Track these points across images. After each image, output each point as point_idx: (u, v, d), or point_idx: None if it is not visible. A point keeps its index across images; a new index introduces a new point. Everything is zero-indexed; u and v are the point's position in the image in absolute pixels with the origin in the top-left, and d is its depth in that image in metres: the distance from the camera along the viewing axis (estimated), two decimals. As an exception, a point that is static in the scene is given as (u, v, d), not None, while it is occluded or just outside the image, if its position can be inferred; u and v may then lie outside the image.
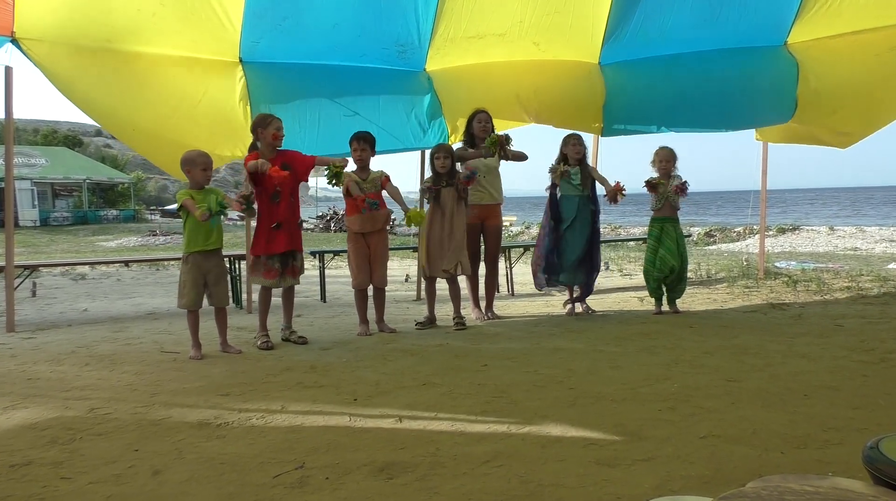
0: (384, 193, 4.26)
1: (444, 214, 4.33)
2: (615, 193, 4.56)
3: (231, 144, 4.66)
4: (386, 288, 4.41)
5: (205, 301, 3.74)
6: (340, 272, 7.64)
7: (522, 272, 6.87)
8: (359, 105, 5.00)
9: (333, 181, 4.02)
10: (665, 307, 4.80)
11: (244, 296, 5.61)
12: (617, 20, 4.84)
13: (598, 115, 5.38)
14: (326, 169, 4.02)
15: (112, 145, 51.87)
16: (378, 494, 1.83)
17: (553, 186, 4.73)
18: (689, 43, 5.04)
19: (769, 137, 6.14)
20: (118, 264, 8.88)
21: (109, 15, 4.21)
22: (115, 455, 2.18)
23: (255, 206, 3.80)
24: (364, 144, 4.18)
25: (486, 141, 4.52)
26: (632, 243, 10.76)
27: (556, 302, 5.36)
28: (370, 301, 4.37)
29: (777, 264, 8.15)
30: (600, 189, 4.73)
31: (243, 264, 5.33)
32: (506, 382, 2.97)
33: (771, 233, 14.91)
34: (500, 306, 5.13)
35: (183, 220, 3.69)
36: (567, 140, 4.69)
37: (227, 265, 5.17)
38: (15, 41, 4.10)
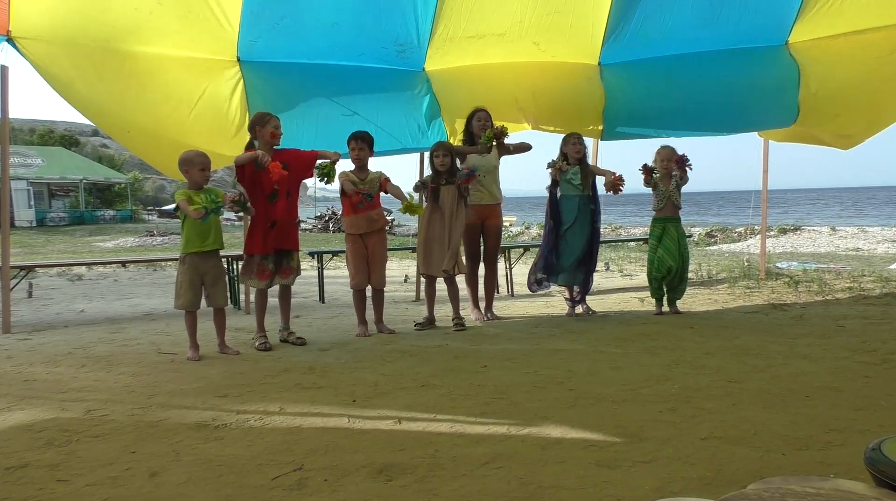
0: (387, 195, 4.25)
1: (443, 213, 4.31)
2: (613, 185, 4.55)
3: (230, 144, 4.65)
4: (385, 289, 4.39)
5: (203, 302, 3.72)
6: (339, 273, 7.63)
7: (522, 273, 6.85)
8: (357, 105, 4.99)
9: (325, 179, 3.99)
10: (666, 308, 4.79)
11: (242, 297, 5.59)
12: (617, 20, 4.84)
13: (598, 119, 5.38)
14: (317, 166, 3.98)
15: (109, 145, 51.75)
16: (377, 496, 1.82)
17: (553, 185, 4.71)
18: (689, 43, 5.03)
19: (771, 135, 6.14)
20: (115, 265, 8.86)
21: (107, 14, 4.19)
22: (112, 456, 2.16)
23: (250, 205, 3.76)
24: (362, 143, 4.16)
25: (482, 136, 4.49)
26: (632, 243, 10.76)
27: (556, 303, 5.36)
28: (369, 302, 4.36)
29: (778, 265, 8.15)
30: (601, 189, 4.73)
31: (242, 265, 5.30)
32: (505, 383, 2.97)
33: (772, 233, 14.93)
34: (500, 307, 5.12)
35: (181, 220, 3.68)
36: (567, 139, 4.69)
37: (225, 266, 5.15)
38: (10, 40, 4.08)
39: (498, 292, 5.35)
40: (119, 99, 4.51)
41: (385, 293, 4.45)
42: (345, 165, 4.28)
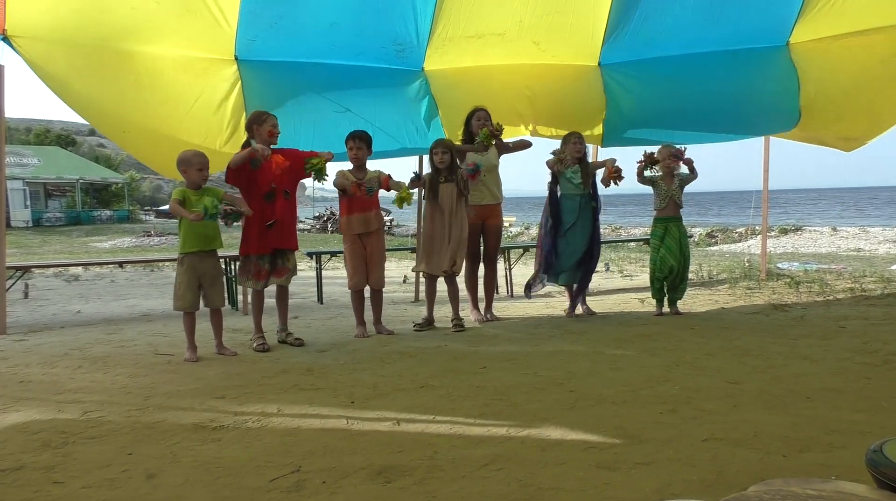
0: (389, 193, 4.23)
1: (443, 211, 4.29)
2: (609, 178, 4.53)
3: (227, 144, 4.63)
4: (384, 289, 4.37)
5: (200, 303, 3.70)
6: (337, 274, 7.61)
7: (522, 274, 6.84)
8: (356, 104, 4.98)
9: (314, 177, 3.95)
10: (666, 309, 4.78)
11: (240, 298, 5.58)
12: (617, 20, 4.83)
13: (599, 125, 5.38)
14: (307, 163, 3.95)
15: (106, 145, 51.66)
16: (375, 498, 1.81)
17: (553, 182, 4.69)
18: (690, 44, 5.02)
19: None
20: (112, 266, 8.84)
21: (104, 14, 4.18)
22: (109, 458, 2.15)
23: (245, 208, 3.72)
24: (360, 142, 4.14)
25: (479, 135, 4.46)
26: (632, 243, 10.75)
27: (555, 303, 5.35)
28: (367, 303, 4.34)
29: (779, 265, 8.15)
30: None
31: (238, 266, 5.28)
32: (505, 384, 2.96)
33: (773, 234, 14.93)
34: (499, 308, 5.10)
35: (178, 219, 3.66)
36: (567, 138, 4.67)
37: (223, 266, 5.13)
38: (6, 39, 4.07)
39: (497, 293, 5.34)
40: (116, 99, 4.50)
41: (384, 294, 4.43)
42: (340, 166, 4.27)
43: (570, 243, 4.63)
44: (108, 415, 2.62)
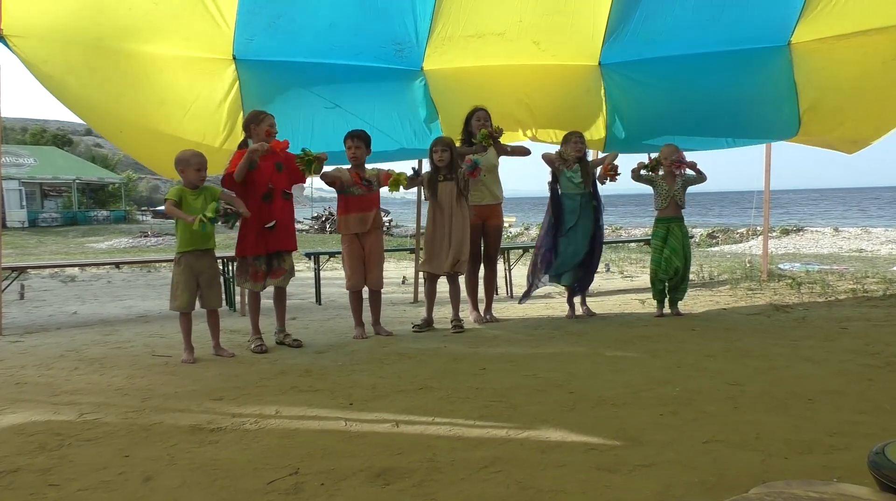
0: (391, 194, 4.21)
1: (442, 210, 4.27)
2: (605, 177, 4.51)
3: (225, 143, 4.61)
4: (382, 290, 4.35)
5: (197, 304, 3.68)
6: (336, 274, 7.58)
7: (522, 274, 6.82)
8: (355, 104, 4.96)
9: (305, 169, 3.90)
10: (667, 310, 4.76)
11: (237, 298, 5.55)
12: (617, 19, 4.81)
13: (600, 127, 5.37)
14: (298, 157, 3.92)
15: (102, 145, 51.56)
16: (374, 500, 1.80)
17: (554, 180, 4.67)
18: (691, 43, 5.00)
19: None
20: (109, 266, 8.81)
21: (101, 14, 4.16)
22: (105, 461, 2.14)
23: (242, 209, 3.69)
24: (359, 142, 4.13)
25: (477, 135, 4.43)
26: (633, 244, 10.74)
27: (555, 304, 5.33)
28: (366, 304, 4.32)
29: (781, 266, 8.13)
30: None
31: (236, 267, 5.26)
32: (504, 386, 2.94)
33: (774, 234, 14.90)
34: (499, 309, 5.09)
35: (175, 219, 3.64)
36: (568, 138, 4.65)
37: (220, 267, 5.10)
38: (2, 38, 4.04)
39: (497, 294, 5.33)
40: (113, 98, 4.48)
41: (383, 295, 4.41)
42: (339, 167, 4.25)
43: (572, 242, 4.60)
44: (104, 417, 2.60)
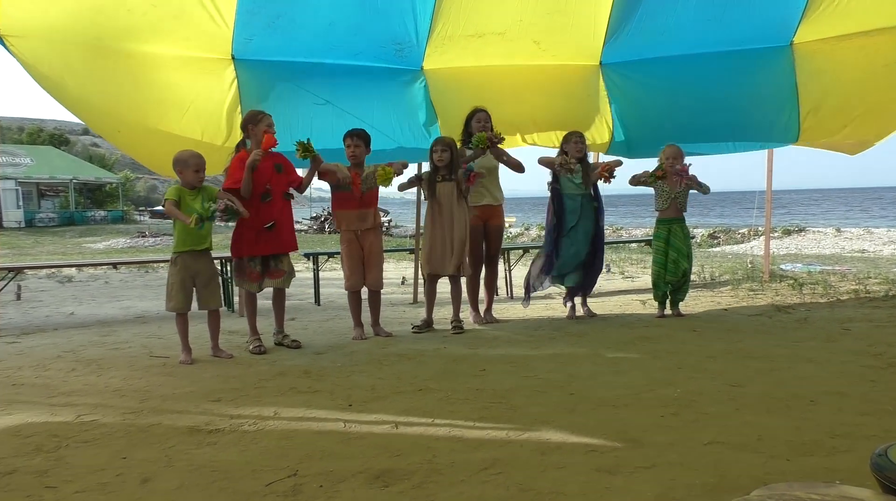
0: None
1: (441, 210, 4.25)
2: (601, 175, 4.48)
3: (223, 143, 4.59)
4: (382, 291, 4.33)
5: (195, 304, 3.66)
6: (335, 275, 7.57)
7: (522, 275, 6.81)
8: (354, 104, 4.95)
9: (302, 153, 3.83)
10: (668, 311, 4.74)
11: (236, 299, 5.54)
12: (619, 19, 4.80)
13: (603, 130, 5.36)
14: (297, 143, 3.86)
15: (100, 144, 51.46)
16: (375, 503, 1.79)
17: (554, 180, 4.63)
18: (692, 43, 4.98)
19: None
20: (106, 267, 8.78)
21: (99, 15, 4.15)
22: (103, 462, 2.13)
23: (242, 210, 3.65)
24: (358, 140, 4.10)
25: (472, 139, 4.35)
26: (633, 244, 10.72)
27: (556, 305, 5.32)
28: (365, 304, 4.31)
29: (782, 267, 8.13)
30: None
31: (234, 268, 5.25)
32: (504, 387, 2.94)
33: (776, 235, 14.87)
34: (499, 310, 5.07)
35: (173, 219, 3.62)
36: (569, 138, 4.61)
37: (219, 267, 5.09)
38: (0, 39, 4.02)
39: (497, 295, 5.32)
40: (112, 98, 4.47)
41: (382, 295, 4.40)
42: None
43: (574, 243, 4.58)
44: (101, 418, 2.59)
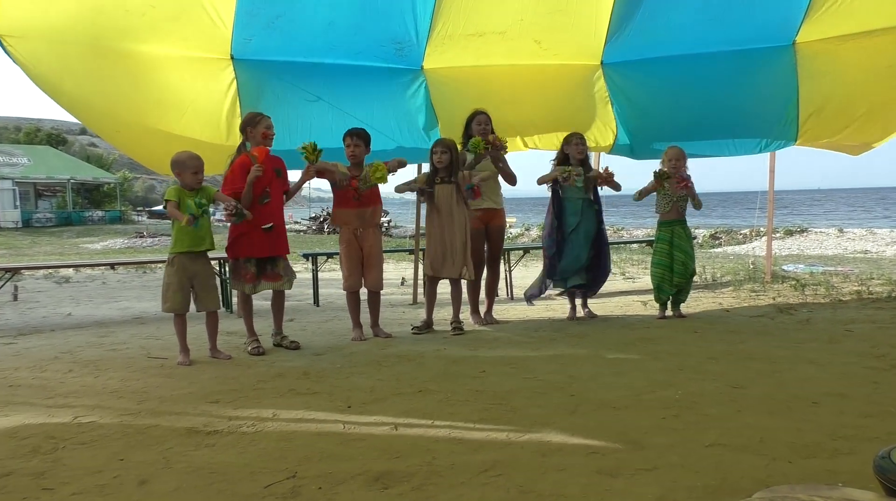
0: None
1: (440, 213, 4.23)
2: (601, 180, 4.47)
3: (222, 144, 4.58)
4: (381, 292, 4.31)
5: (192, 305, 3.65)
6: (334, 275, 7.56)
7: (522, 276, 6.81)
8: (353, 104, 4.94)
9: (306, 156, 3.83)
10: (669, 312, 4.72)
11: (234, 300, 5.52)
12: (620, 18, 4.80)
13: (605, 132, 5.35)
14: (301, 148, 3.85)
15: (97, 144, 51.37)
16: (374, 506, 1.78)
17: (555, 182, 4.62)
18: (694, 43, 4.98)
19: None
20: (104, 267, 8.75)
21: (98, 15, 4.14)
22: (100, 464, 2.11)
23: (247, 212, 3.66)
24: (357, 140, 4.09)
25: (469, 144, 4.29)
26: (635, 245, 10.70)
27: (556, 306, 5.31)
28: (364, 305, 4.29)
29: (784, 268, 8.11)
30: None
31: (230, 270, 5.23)
32: (505, 388, 2.92)
33: (778, 235, 14.83)
34: (500, 311, 5.06)
35: (172, 220, 3.61)
36: (569, 139, 4.58)
37: (217, 268, 5.07)
38: (-2, 39, 4.01)
39: (497, 296, 5.30)
40: (110, 99, 4.46)
41: (382, 296, 4.38)
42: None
43: (574, 246, 4.55)
44: (99, 420, 2.57)
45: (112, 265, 7.73)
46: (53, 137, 44.44)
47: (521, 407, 2.63)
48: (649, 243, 6.06)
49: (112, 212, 31.21)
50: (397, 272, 8.04)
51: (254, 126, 3.79)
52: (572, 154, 4.55)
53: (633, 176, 4.83)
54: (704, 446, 2.15)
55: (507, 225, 8.17)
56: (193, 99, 4.55)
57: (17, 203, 26.70)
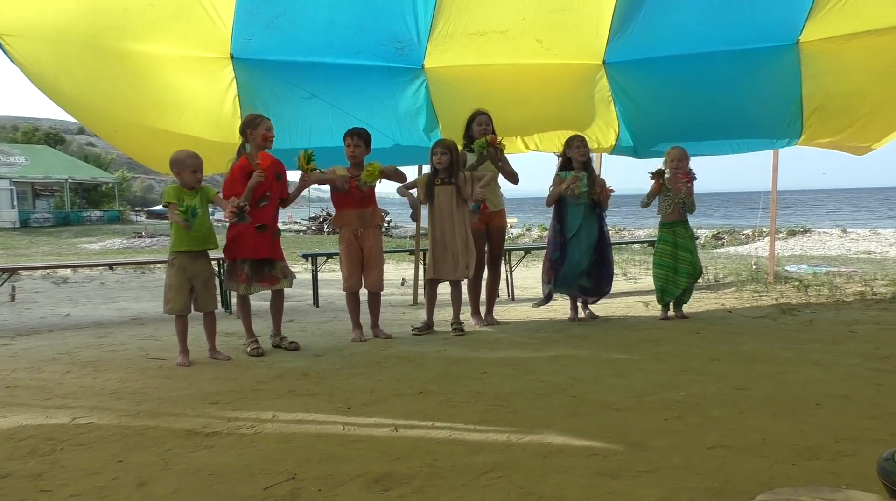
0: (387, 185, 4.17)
1: (441, 214, 4.22)
2: (596, 193, 4.45)
3: (222, 144, 4.57)
4: (381, 292, 4.30)
5: (191, 306, 3.63)
6: (334, 276, 7.55)
7: (523, 277, 6.81)
8: (353, 104, 4.93)
9: (305, 163, 3.82)
10: (671, 313, 4.70)
11: (233, 300, 5.50)
12: (622, 17, 4.79)
13: (608, 133, 5.35)
14: (298, 160, 3.85)
15: (95, 144, 51.31)
16: (374, 508, 1.77)
17: (556, 183, 4.61)
18: (697, 42, 4.97)
19: None
20: (102, 268, 8.74)
21: (97, 14, 4.13)
22: (98, 466, 2.10)
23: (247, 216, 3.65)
24: (358, 140, 4.08)
25: (474, 144, 4.27)
26: (636, 246, 10.69)
27: (557, 307, 5.30)
28: (364, 306, 4.27)
29: (787, 268, 8.10)
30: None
31: (226, 271, 5.21)
32: (506, 390, 2.91)
33: (781, 236, 14.83)
34: (501, 312, 5.05)
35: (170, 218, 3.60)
36: (571, 142, 4.56)
37: (216, 268, 5.06)
38: (-4, 39, 3.99)
39: (498, 296, 5.30)
40: (109, 98, 4.45)
41: (382, 297, 4.37)
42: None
43: (576, 251, 4.51)
44: (97, 421, 2.56)
45: (110, 266, 7.72)
46: (51, 137, 44.36)
47: (522, 409, 2.62)
48: (651, 243, 6.05)
49: (110, 212, 31.18)
50: (397, 273, 8.03)
51: (254, 128, 3.78)
52: (574, 157, 4.52)
53: (634, 176, 4.82)
54: (707, 448, 2.14)
55: (508, 225, 8.20)
56: (193, 99, 4.55)
57: (15, 203, 26.66)
